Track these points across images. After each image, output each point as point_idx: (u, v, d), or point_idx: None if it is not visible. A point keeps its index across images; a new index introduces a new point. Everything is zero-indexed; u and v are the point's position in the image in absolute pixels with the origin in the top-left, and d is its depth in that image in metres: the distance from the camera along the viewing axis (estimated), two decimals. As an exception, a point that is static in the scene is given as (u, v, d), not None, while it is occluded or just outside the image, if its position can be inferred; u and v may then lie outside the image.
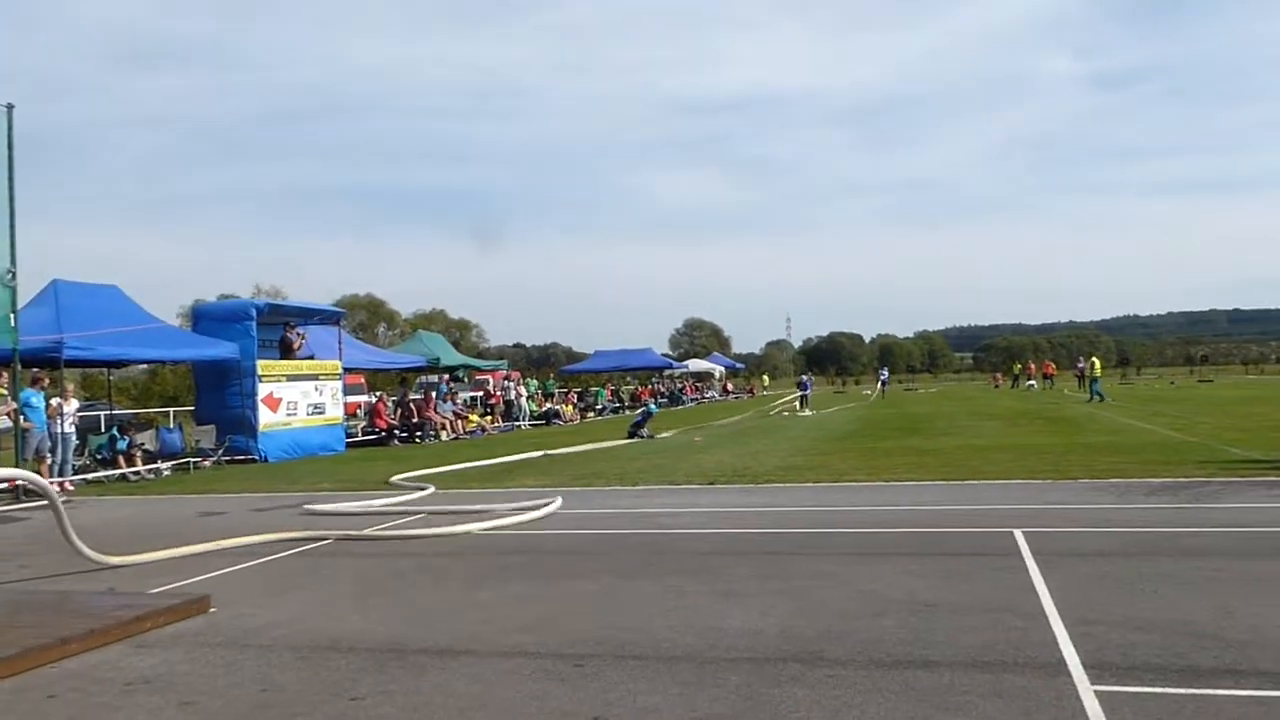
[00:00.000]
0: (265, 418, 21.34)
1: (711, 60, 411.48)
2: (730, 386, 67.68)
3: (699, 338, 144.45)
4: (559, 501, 11.45)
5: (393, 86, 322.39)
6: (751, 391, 68.97)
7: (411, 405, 27.28)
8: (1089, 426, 22.07)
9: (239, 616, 6.51)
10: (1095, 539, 8.12)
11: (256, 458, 20.75)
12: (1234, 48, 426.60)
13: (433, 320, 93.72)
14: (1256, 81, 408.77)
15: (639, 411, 28.13)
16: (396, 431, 26.16)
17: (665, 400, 50.81)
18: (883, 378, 64.62)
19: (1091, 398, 35.31)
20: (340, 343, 25.33)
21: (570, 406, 37.97)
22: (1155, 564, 7.06)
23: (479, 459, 18.53)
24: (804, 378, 44.38)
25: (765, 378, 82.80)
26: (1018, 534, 8.29)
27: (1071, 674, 4.62)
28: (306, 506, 12.40)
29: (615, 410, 42.29)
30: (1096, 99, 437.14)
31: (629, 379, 56.72)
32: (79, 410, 18.31)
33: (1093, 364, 38.85)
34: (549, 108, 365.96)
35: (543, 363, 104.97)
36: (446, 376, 36.02)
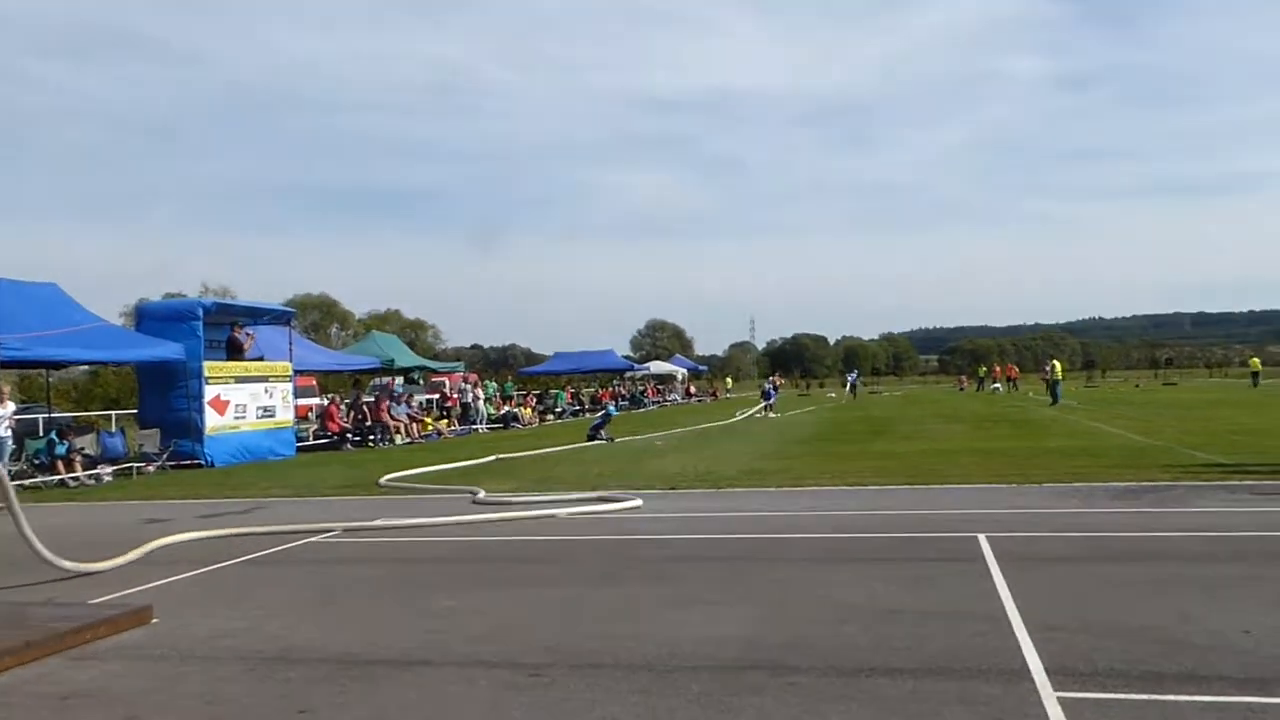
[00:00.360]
0: (212, 421, 21.08)
1: (677, 58, 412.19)
2: (693, 389, 67.86)
3: (661, 339, 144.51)
4: (640, 500, 11.81)
5: (349, 81, 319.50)
6: (714, 394, 69.16)
7: (365, 408, 27.07)
8: (1053, 430, 22.38)
9: (183, 626, 6.43)
10: (1059, 544, 8.24)
11: (203, 463, 20.48)
12: (1197, 51, 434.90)
13: (387, 321, 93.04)
14: (1219, 85, 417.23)
15: (598, 414, 28.13)
16: (349, 435, 25.95)
17: (626, 403, 50.81)
18: (852, 379, 65.05)
19: (1055, 401, 35.80)
20: (291, 343, 25.07)
21: (529, 409, 37.89)
22: (1119, 569, 7.18)
23: (436, 463, 18.43)
24: (768, 385, 44.32)
25: (728, 380, 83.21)
26: (982, 539, 8.40)
27: (1035, 680, 4.69)
28: (480, 495, 12.81)
29: (575, 413, 42.24)
30: (1060, 100, 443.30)
31: (589, 381, 56.72)
32: (15, 413, 17.97)
33: (1054, 366, 39.34)
34: (511, 105, 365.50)
35: (501, 364, 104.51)
36: (401, 378, 35.78)
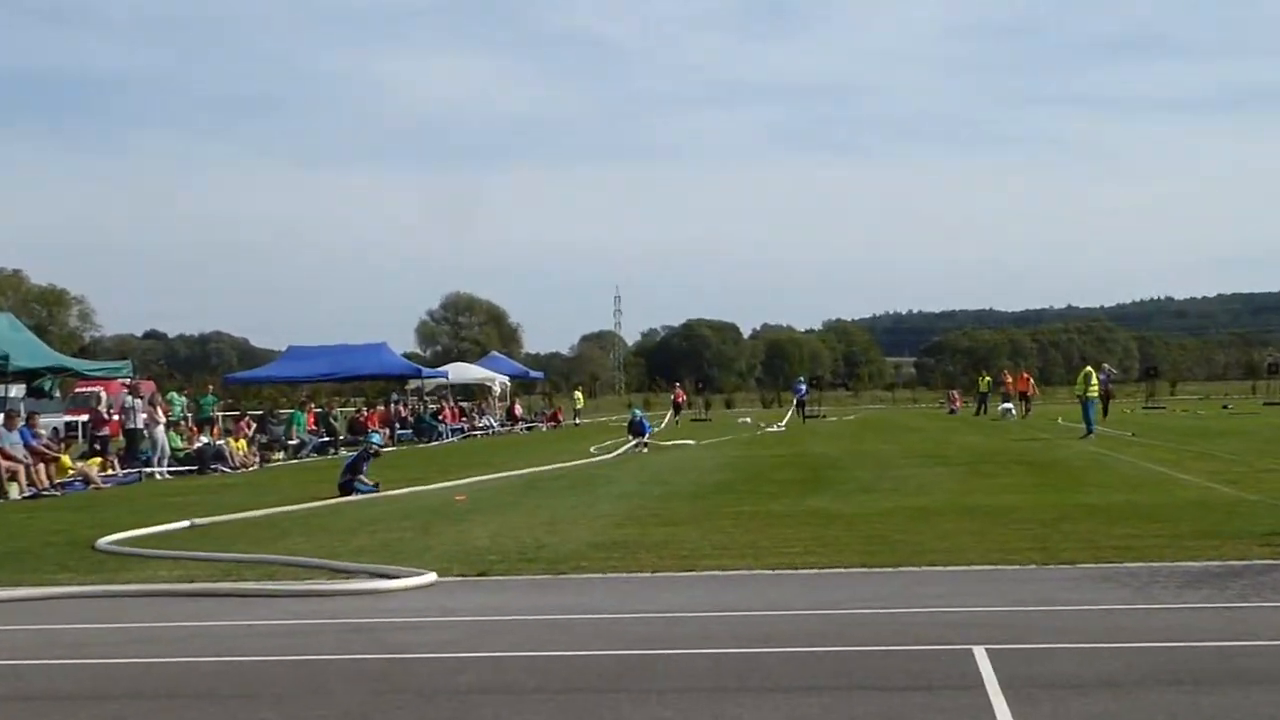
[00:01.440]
0: None
1: None
2: (520, 409, 67.67)
3: (468, 327, 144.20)
4: (432, 575, 12.56)
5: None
6: (555, 417, 69.18)
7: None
8: (1091, 477, 23.10)
9: None
10: (1097, 660, 8.45)
11: None
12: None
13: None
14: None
15: (357, 450, 27.79)
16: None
17: (409, 432, 50.37)
18: (799, 393, 65.67)
19: (1089, 430, 36.76)
20: None
21: (242, 441, 37.13)
22: (1192, 699, 7.39)
23: (74, 534, 17.92)
24: (639, 412, 44.32)
25: (579, 394, 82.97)
26: (979, 653, 8.57)
27: None
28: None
29: (322, 448, 41.67)
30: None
31: (346, 395, 56.12)
32: None
33: (1085, 375, 40.12)
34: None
35: (198, 366, 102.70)
36: (22, 388, 34.68)
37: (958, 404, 72.98)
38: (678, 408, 67.78)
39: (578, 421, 70.49)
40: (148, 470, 31.92)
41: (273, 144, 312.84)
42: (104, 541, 16.66)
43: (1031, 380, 65.95)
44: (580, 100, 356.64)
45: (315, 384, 55.59)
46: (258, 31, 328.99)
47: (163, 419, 34.56)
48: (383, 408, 53.33)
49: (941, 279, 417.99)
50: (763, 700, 7.71)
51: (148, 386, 40.43)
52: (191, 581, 13.36)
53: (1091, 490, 20.48)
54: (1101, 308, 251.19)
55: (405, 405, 55.48)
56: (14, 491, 26.16)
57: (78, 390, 49.63)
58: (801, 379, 72.64)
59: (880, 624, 9.90)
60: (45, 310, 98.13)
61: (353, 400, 59.18)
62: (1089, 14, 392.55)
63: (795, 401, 65.46)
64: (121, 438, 33.01)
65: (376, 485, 23.97)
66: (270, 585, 12.92)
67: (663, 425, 57.93)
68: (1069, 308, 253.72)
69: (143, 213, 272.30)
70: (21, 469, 26.85)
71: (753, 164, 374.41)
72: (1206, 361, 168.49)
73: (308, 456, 39.98)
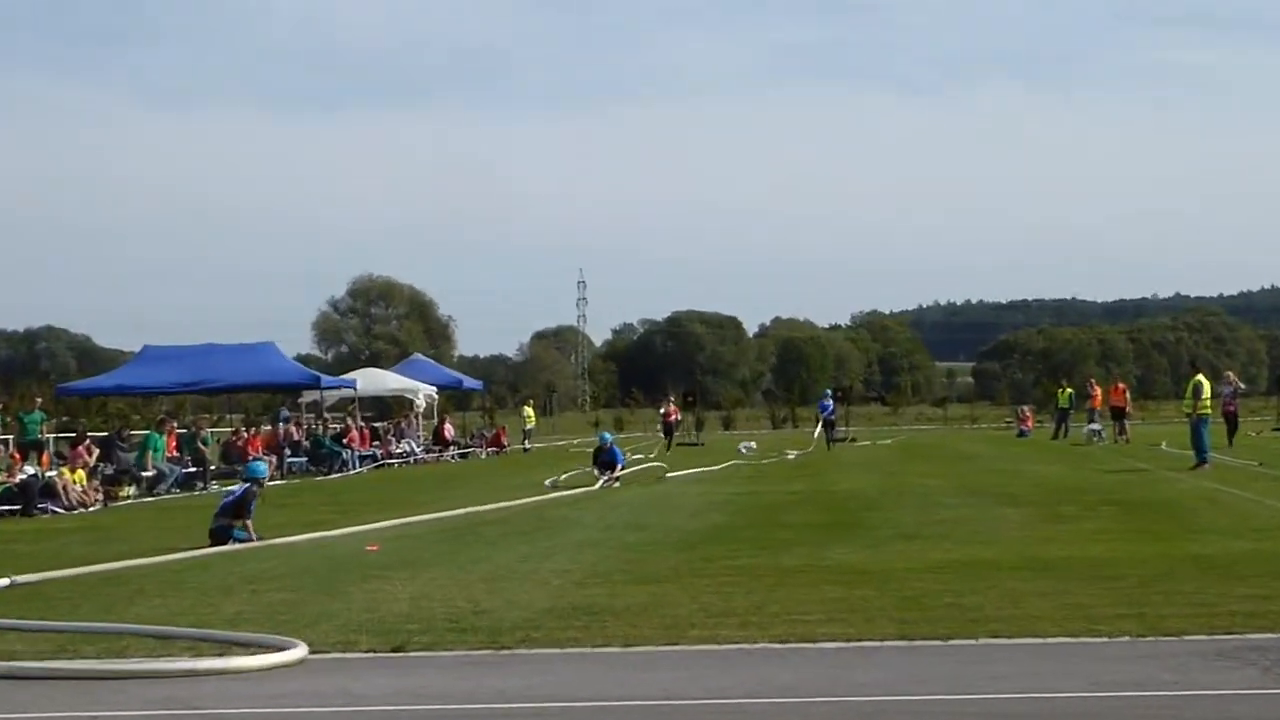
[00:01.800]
0: None
1: None
2: (451, 430, 67.45)
3: (382, 320, 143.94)
4: (303, 649, 12.51)
5: None
6: (499, 439, 69.05)
7: None
8: (1206, 521, 23.13)
9: None
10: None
11: None
12: None
13: None
14: None
15: (237, 485, 27.66)
16: None
17: (304, 461, 50.24)
18: (825, 410, 65.44)
19: (1201, 459, 36.65)
20: None
21: (81, 472, 36.97)
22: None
23: None
24: (609, 437, 43.85)
25: (529, 410, 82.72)
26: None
27: None
28: None
29: (189, 481, 41.58)
30: None
31: (219, 411, 55.92)
32: None
33: (1195, 385, 39.98)
34: None
35: (21, 371, 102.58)
36: None
37: (1029, 424, 73.20)
38: (669, 429, 67.04)
39: (528, 446, 70.46)
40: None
41: (116, 75, 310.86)
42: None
43: (1127, 393, 65.63)
44: (528, 19, 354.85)
45: (178, 396, 55.36)
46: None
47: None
48: (269, 428, 53.20)
49: (1009, 259, 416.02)
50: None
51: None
52: (12, 659, 13.26)
53: (1205, 538, 20.50)
54: (1220, 296, 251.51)
55: (298, 424, 55.39)
56: None
57: None
58: (828, 400, 71.89)
59: (924, 713, 9.88)
60: None
61: (228, 418, 58.91)
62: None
63: (821, 421, 64.98)
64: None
65: (259, 536, 23.74)
66: (118, 664, 12.86)
67: (655, 453, 57.20)
68: (1176, 296, 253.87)
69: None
70: None
71: (757, 101, 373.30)
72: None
73: (168, 492, 39.91)
